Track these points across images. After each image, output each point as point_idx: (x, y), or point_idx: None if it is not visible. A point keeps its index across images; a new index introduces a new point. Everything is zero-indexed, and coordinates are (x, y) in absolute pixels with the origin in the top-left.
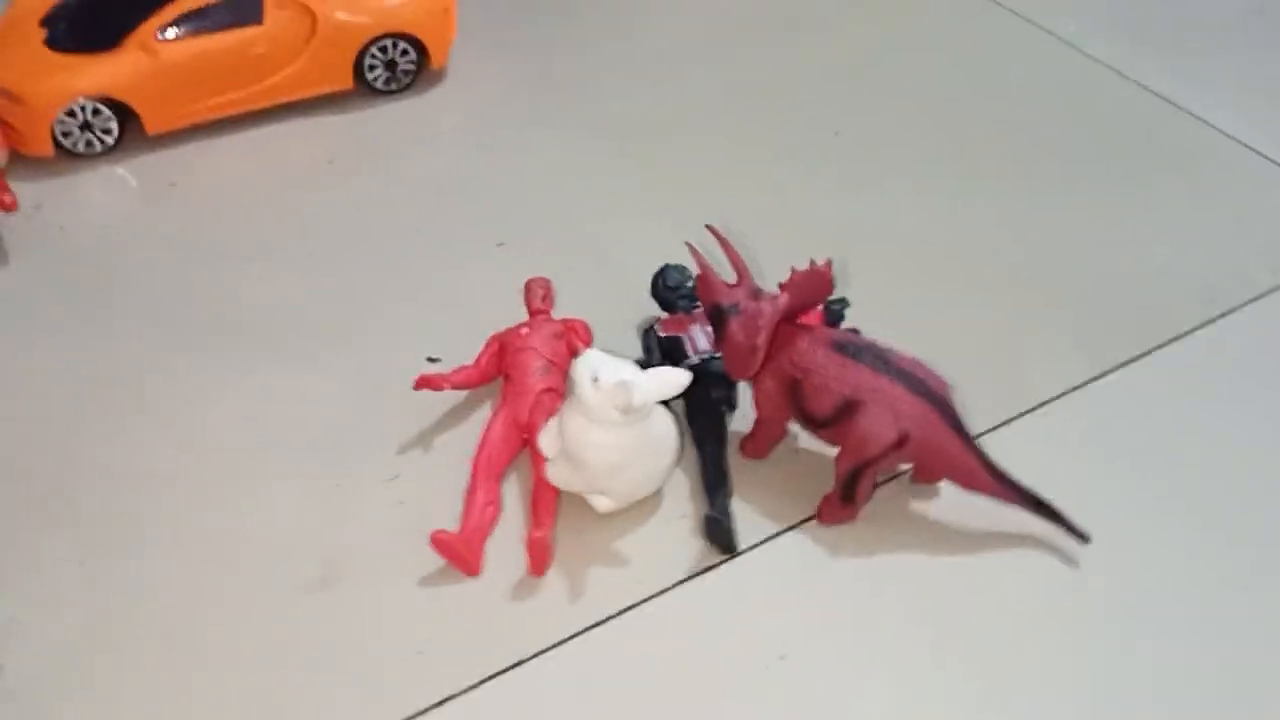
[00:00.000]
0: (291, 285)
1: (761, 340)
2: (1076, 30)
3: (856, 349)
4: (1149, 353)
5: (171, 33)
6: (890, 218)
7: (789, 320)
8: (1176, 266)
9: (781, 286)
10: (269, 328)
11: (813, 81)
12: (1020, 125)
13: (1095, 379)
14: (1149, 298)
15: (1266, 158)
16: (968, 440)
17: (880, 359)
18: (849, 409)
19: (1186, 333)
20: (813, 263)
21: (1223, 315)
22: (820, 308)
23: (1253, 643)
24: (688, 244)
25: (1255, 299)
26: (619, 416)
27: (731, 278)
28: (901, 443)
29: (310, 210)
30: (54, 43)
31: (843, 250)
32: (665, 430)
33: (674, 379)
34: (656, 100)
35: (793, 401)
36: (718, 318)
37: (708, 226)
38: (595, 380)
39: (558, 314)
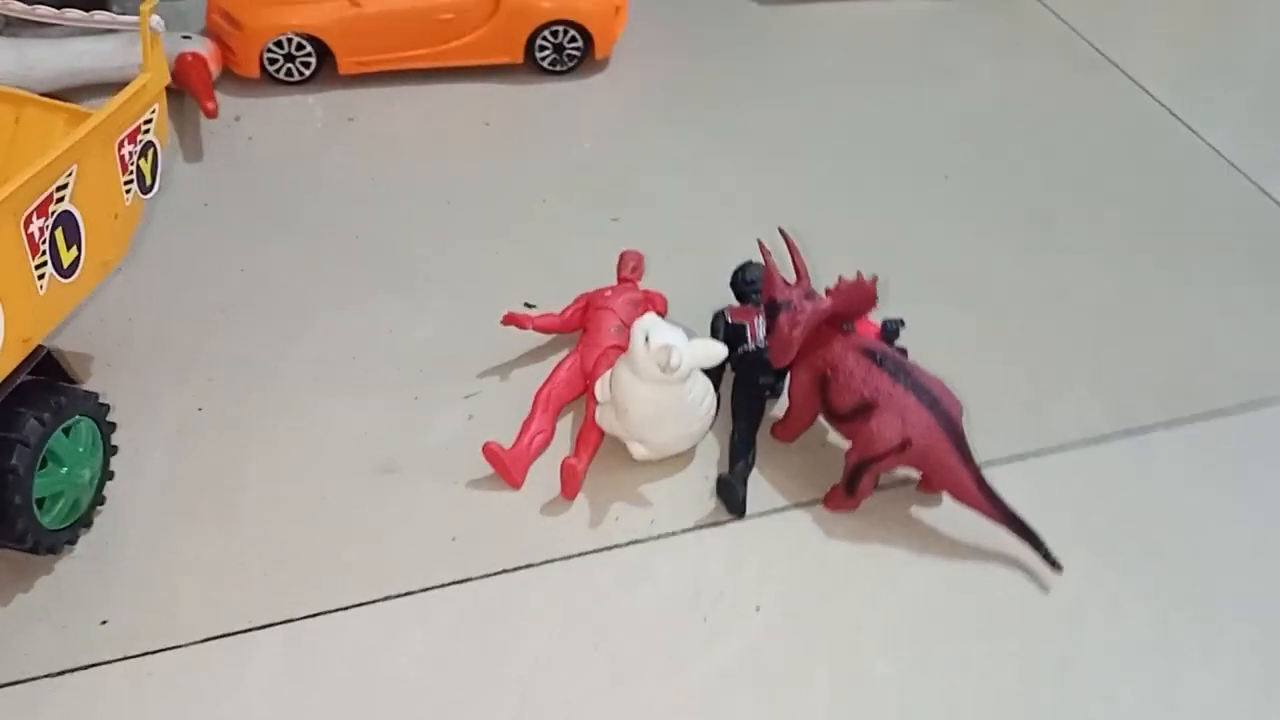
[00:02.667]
0: (425, 225)
1: (798, 334)
2: (1204, 120)
3: (882, 358)
4: (1174, 424)
5: None
6: (964, 254)
7: (832, 323)
8: (1227, 351)
9: (828, 292)
10: (395, 258)
11: (938, 126)
12: (1120, 193)
13: (1115, 436)
14: (1189, 374)
15: None
16: (966, 457)
17: (902, 370)
18: (864, 409)
19: (1215, 414)
20: (860, 275)
21: (1254, 408)
22: (879, 325)
23: None
24: (759, 241)
25: None
26: (660, 374)
27: (792, 278)
28: (903, 447)
29: (458, 163)
30: None
31: (913, 275)
32: (702, 397)
33: (713, 350)
34: (789, 121)
35: (820, 395)
36: (771, 310)
37: (779, 229)
38: (646, 339)
39: (645, 285)
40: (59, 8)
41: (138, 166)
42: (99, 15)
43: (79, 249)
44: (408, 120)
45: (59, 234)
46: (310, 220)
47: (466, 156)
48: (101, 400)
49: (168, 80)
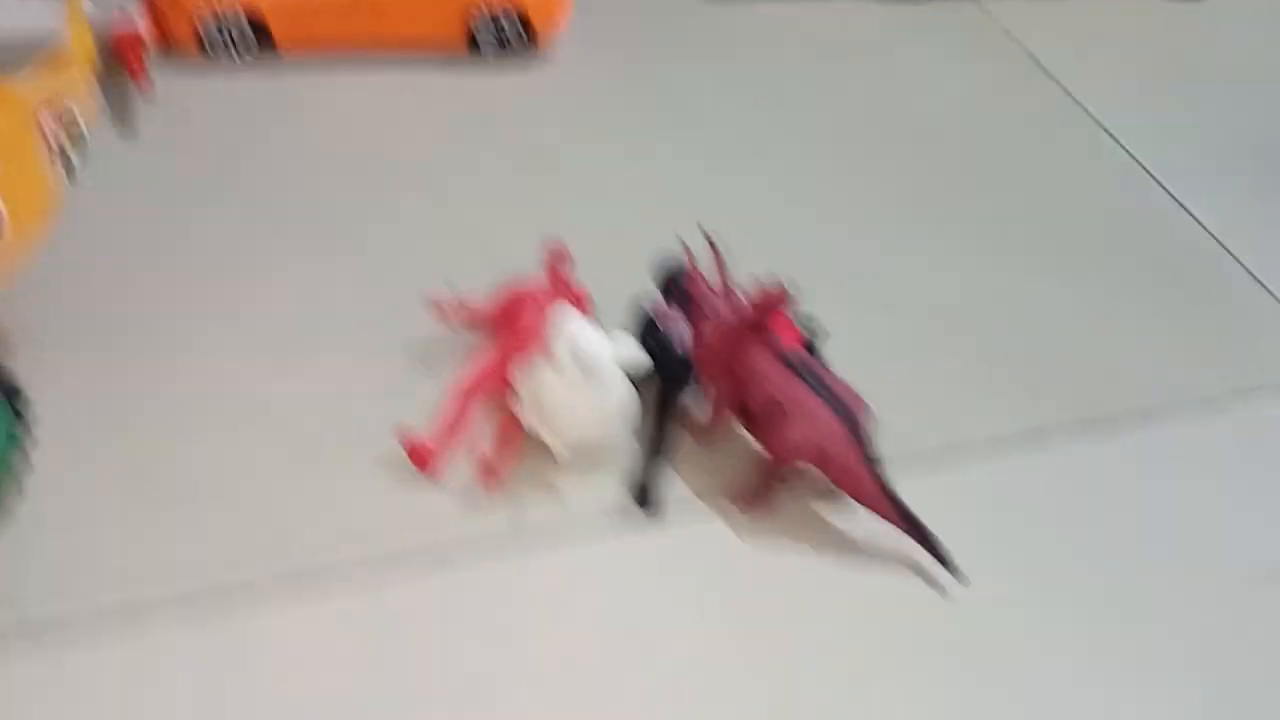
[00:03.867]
0: (355, 207)
1: (715, 337)
2: (1132, 133)
3: (796, 363)
4: (1078, 429)
5: None
6: (894, 260)
7: (750, 327)
8: (1136, 359)
9: (746, 297)
10: (329, 242)
11: (883, 130)
12: (1051, 207)
13: (1020, 441)
14: (1099, 381)
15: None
16: (873, 465)
17: (814, 376)
18: (777, 415)
19: (1118, 419)
20: (774, 280)
21: (1155, 414)
22: (799, 329)
23: None
24: (682, 241)
25: (1196, 412)
26: (580, 374)
27: (715, 280)
28: (814, 453)
29: (391, 147)
30: None
31: (837, 277)
32: (622, 397)
33: (633, 353)
34: (732, 121)
35: (736, 398)
36: (692, 313)
37: (702, 231)
38: (567, 339)
39: (574, 280)
40: None
41: (61, 146)
42: None
43: None
44: (347, 105)
45: None
46: (243, 202)
47: (405, 144)
48: (15, 384)
49: (94, 54)
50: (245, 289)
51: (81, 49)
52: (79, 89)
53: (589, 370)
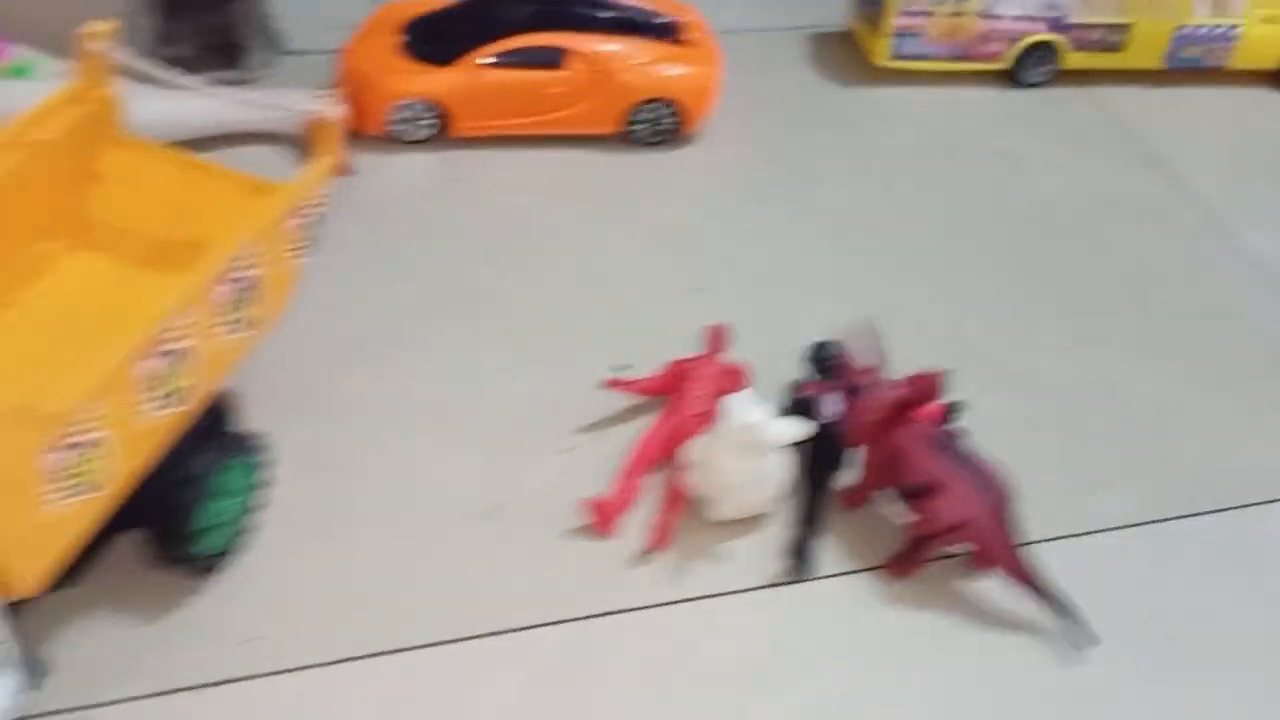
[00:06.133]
0: (522, 283)
1: (875, 419)
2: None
3: (948, 444)
4: (1198, 516)
5: (492, 61)
6: (1018, 341)
7: (904, 409)
8: (1251, 449)
9: (901, 382)
10: (497, 313)
11: (1000, 212)
12: (1163, 289)
13: (1144, 524)
14: (1215, 469)
15: None
16: (1014, 539)
17: (963, 457)
18: (929, 489)
19: (1235, 508)
20: (931, 370)
21: (1270, 503)
22: (942, 404)
23: None
24: (846, 325)
25: None
26: (747, 447)
27: (871, 364)
28: (961, 526)
29: (551, 224)
30: (407, 49)
31: (972, 359)
32: (780, 469)
33: (798, 430)
34: (863, 201)
35: (889, 472)
36: (850, 393)
37: (867, 320)
38: (737, 415)
39: (729, 356)
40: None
41: (306, 233)
42: (264, 99)
43: (257, 306)
44: (508, 182)
45: (244, 294)
46: (422, 271)
47: (562, 220)
48: (259, 441)
49: (338, 151)
50: (428, 356)
51: (328, 147)
52: (325, 183)
53: (753, 444)
